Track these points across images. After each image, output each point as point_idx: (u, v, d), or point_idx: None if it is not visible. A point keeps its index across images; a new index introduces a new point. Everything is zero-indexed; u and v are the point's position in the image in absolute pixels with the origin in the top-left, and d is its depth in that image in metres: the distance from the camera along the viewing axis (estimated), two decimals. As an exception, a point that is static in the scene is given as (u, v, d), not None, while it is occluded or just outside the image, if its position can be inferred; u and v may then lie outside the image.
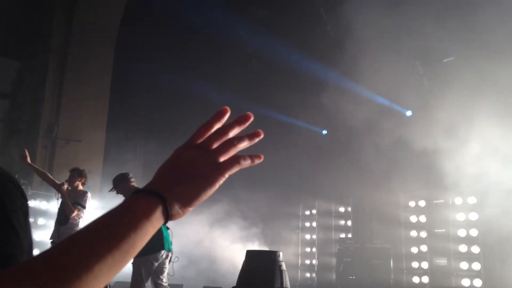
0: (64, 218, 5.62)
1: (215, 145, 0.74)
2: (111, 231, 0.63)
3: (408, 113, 9.91)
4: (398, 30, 8.35)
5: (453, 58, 9.04)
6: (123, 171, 5.52)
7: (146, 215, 0.65)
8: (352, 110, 9.74)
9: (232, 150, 0.74)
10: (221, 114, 0.78)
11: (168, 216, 0.68)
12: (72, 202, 5.62)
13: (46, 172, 6.24)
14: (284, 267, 3.68)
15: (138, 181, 5.65)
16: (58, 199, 5.79)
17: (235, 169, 0.73)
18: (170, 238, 5.22)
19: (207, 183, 0.71)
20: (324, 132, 11.60)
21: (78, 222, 5.73)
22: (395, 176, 9.45)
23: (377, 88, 9.57)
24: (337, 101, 9.80)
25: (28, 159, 5.95)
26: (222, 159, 0.72)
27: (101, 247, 0.60)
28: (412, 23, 8.28)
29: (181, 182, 0.70)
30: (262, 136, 0.77)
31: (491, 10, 7.66)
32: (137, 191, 0.69)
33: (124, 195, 5.31)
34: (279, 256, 3.68)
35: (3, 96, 16.33)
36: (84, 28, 14.17)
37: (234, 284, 4.57)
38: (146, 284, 5.09)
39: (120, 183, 5.31)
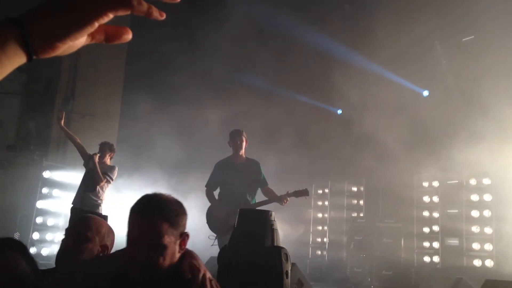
0: (92, 185, 5.81)
1: None
2: None
3: (425, 93, 9.82)
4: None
5: (472, 37, 8.90)
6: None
7: None
8: (369, 90, 9.69)
9: None
10: None
11: (30, 50, 0.59)
12: (102, 172, 5.84)
13: (78, 138, 6.33)
14: (276, 226, 3.69)
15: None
16: (87, 167, 5.97)
17: (121, 10, 0.62)
18: None
19: (83, 16, 0.60)
20: (339, 111, 11.55)
21: (103, 192, 5.92)
22: (409, 157, 9.41)
23: (395, 68, 9.48)
24: (353, 80, 9.75)
25: (62, 122, 6.30)
26: None
27: None
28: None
29: (52, 13, 0.60)
30: (163, 17, 0.67)
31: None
32: (1, 20, 0.60)
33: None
34: (271, 215, 3.70)
35: (20, 70, 16.46)
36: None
37: None
38: None
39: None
